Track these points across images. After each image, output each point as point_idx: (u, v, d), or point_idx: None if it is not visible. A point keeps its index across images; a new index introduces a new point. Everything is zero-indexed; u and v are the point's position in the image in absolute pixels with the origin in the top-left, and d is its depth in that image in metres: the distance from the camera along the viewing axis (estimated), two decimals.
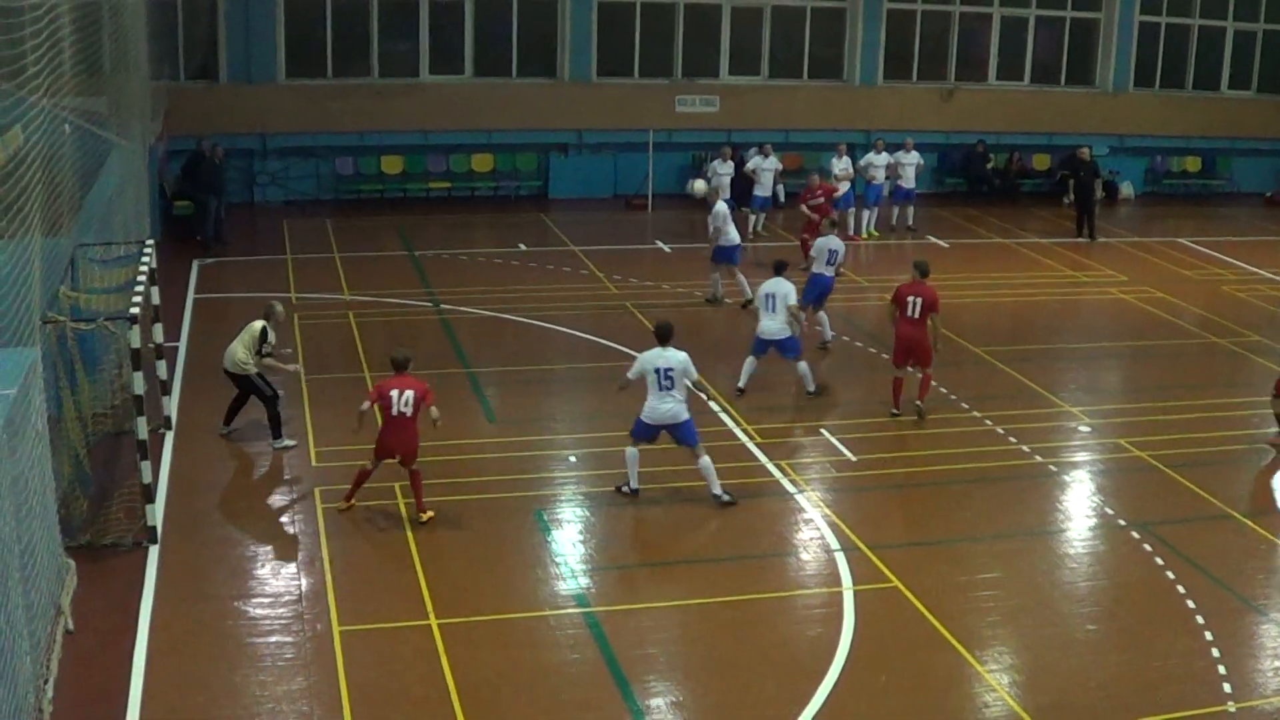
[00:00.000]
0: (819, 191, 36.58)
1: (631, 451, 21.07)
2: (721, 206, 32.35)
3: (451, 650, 16.52)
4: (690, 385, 20.99)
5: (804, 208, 36.36)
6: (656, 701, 15.71)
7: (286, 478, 21.52)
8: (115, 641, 16.52)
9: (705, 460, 20.84)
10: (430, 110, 43.20)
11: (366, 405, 20.21)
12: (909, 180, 41.42)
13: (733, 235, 31.97)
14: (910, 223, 41.72)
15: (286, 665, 16.19)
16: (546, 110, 44.33)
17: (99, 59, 25.94)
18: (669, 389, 20.70)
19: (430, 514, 20.04)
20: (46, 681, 15.15)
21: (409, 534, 19.61)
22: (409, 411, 19.87)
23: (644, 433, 21.08)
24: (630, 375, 21.29)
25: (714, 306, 32.12)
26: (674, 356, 20.80)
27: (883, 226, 41.34)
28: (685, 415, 20.89)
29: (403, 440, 20.05)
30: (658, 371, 20.71)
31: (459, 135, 44.11)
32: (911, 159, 41.29)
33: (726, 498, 20.81)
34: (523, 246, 37.53)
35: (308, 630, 16.96)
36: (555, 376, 27.37)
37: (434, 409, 20.00)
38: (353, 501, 20.38)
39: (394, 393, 19.90)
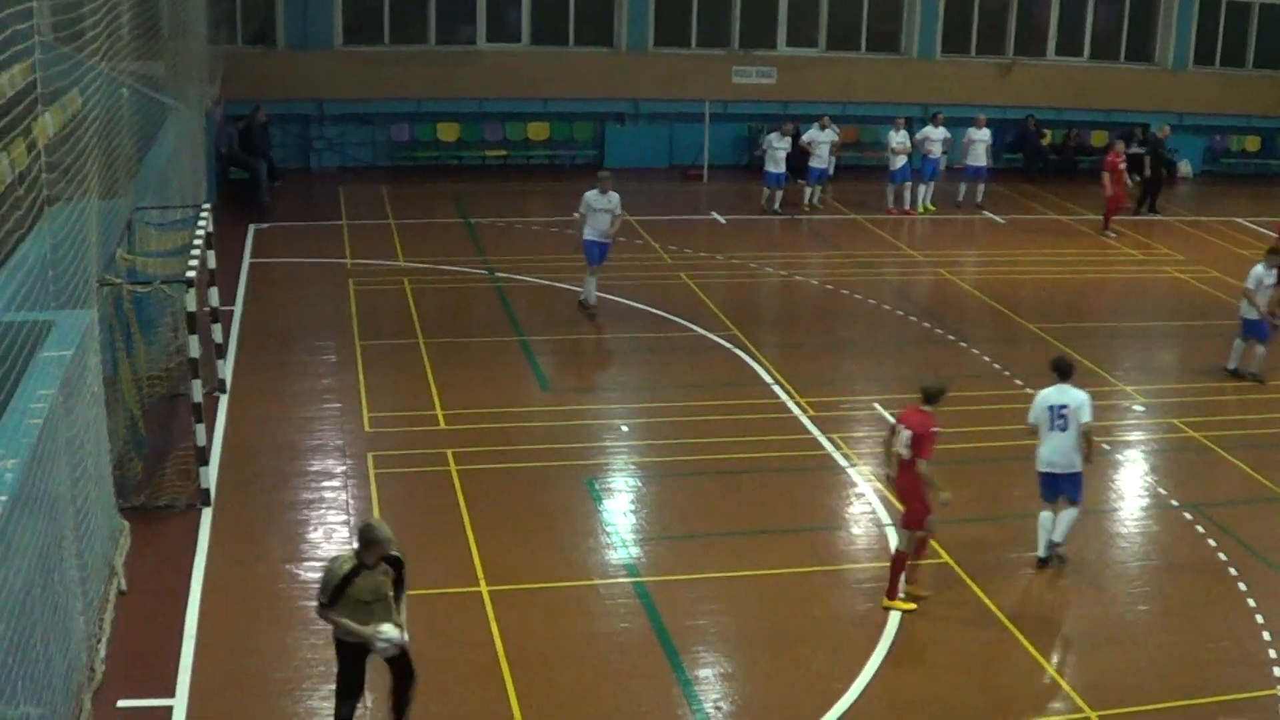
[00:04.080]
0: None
1: (1045, 516, 18.70)
2: None
3: (502, 617, 16.57)
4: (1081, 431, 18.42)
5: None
6: (705, 672, 15.73)
7: (339, 443, 21.57)
8: (168, 602, 16.63)
9: (1073, 513, 18.76)
10: (487, 78, 43.17)
11: (886, 436, 18.01)
12: (979, 158, 41.07)
13: None
14: (979, 200, 41.39)
15: None
16: (603, 79, 44.27)
17: (157, 23, 26.05)
18: (1062, 430, 18.48)
19: (907, 604, 17.30)
20: (99, 640, 15.27)
21: (460, 501, 19.66)
22: (905, 454, 17.26)
23: (1045, 488, 18.83)
24: (1030, 419, 18.89)
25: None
26: (1073, 394, 18.75)
27: (947, 202, 41.05)
28: (1077, 466, 18.59)
29: (901, 487, 17.67)
30: (1051, 410, 18.59)
31: (515, 103, 44.10)
32: (983, 136, 40.91)
33: (1059, 551, 18.76)
34: (577, 215, 37.48)
35: None
36: (608, 346, 27.38)
37: (924, 465, 17.01)
38: (901, 600, 17.41)
39: (900, 427, 17.45)
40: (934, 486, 17.00)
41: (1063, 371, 18.80)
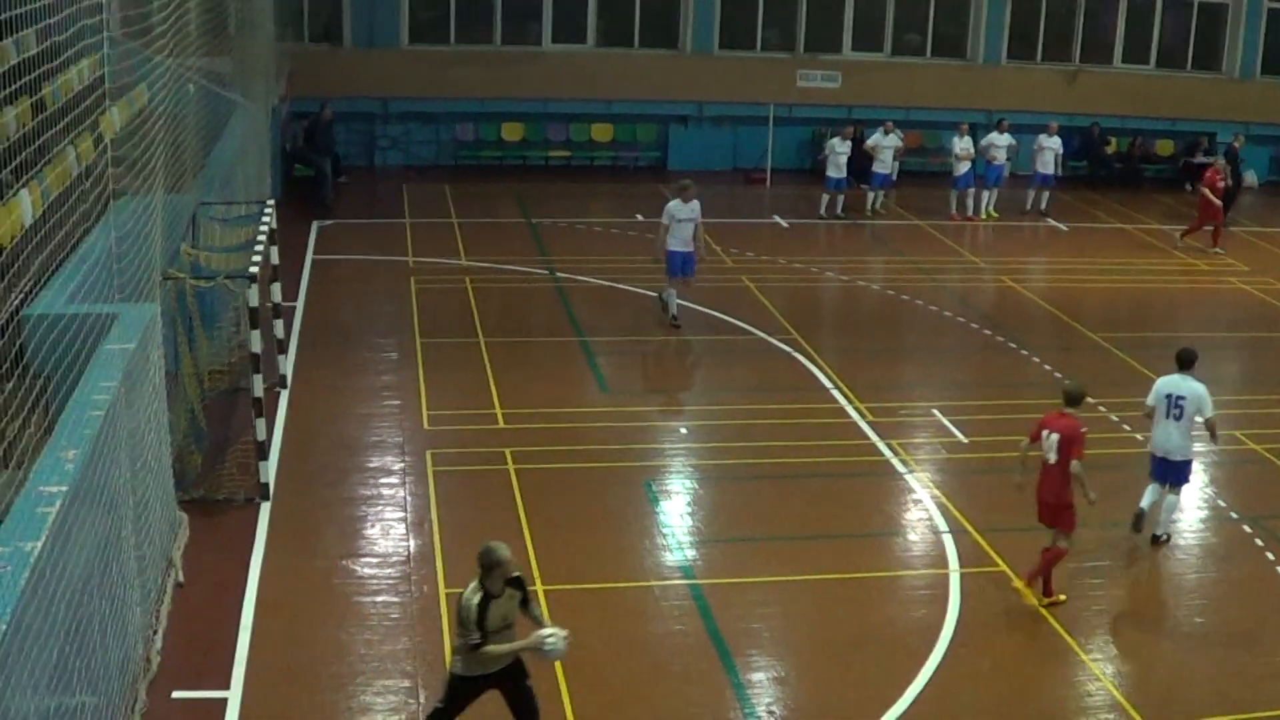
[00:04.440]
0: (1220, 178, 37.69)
1: (1153, 486, 19.55)
2: None
3: (556, 617, 16.40)
4: (1201, 423, 19.11)
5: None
6: (758, 676, 15.74)
7: (398, 440, 21.66)
8: (224, 595, 16.75)
9: (1175, 500, 19.60)
10: (551, 78, 43.28)
11: (1025, 445, 18.11)
12: (1048, 165, 40.81)
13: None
14: (1044, 207, 41.18)
15: (392, 625, 16.35)
16: (667, 81, 44.31)
17: (225, 20, 26.24)
18: (1177, 419, 19.17)
19: (1061, 598, 17.68)
20: (156, 632, 15.38)
21: (518, 500, 19.71)
22: (1052, 458, 17.44)
23: (1155, 469, 19.62)
24: (1148, 402, 19.69)
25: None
26: (1191, 386, 19.32)
27: (1010, 208, 40.86)
28: (1189, 454, 19.47)
29: (1047, 491, 17.73)
30: (1169, 398, 19.28)
31: (579, 104, 44.18)
32: (1053, 144, 40.65)
33: (1163, 537, 19.60)
34: (640, 217, 37.52)
35: (414, 591, 17.12)
36: (669, 348, 27.39)
37: (1077, 466, 17.22)
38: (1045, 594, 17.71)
39: (1045, 431, 17.60)
40: (1084, 486, 17.18)
41: (1185, 362, 19.44)
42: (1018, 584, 17.71)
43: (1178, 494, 19.62)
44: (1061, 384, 18.25)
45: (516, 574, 13.16)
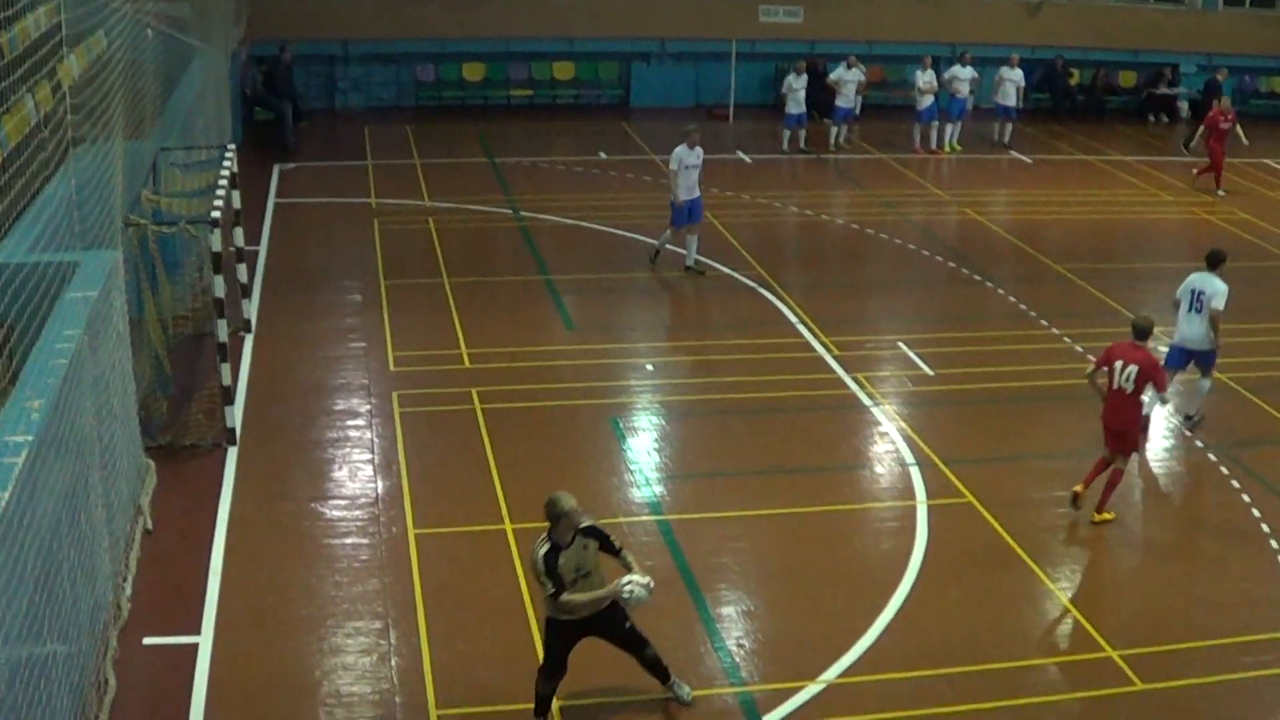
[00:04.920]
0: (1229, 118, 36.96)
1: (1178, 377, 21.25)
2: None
3: (526, 555, 16.62)
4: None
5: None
6: (727, 610, 15.81)
7: (364, 382, 21.64)
8: (193, 541, 16.75)
9: (1206, 384, 21.38)
10: (512, 17, 43.01)
11: (1090, 370, 18.82)
12: (1009, 97, 40.91)
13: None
14: (1007, 139, 41.24)
15: (362, 567, 16.37)
16: (629, 18, 44.07)
17: None
18: (1198, 311, 20.68)
19: (1109, 515, 18.33)
20: (125, 579, 15.39)
21: (485, 440, 19.72)
22: (1129, 388, 18.08)
23: (1173, 360, 21.08)
24: (1176, 295, 21.22)
25: None
26: (1214, 284, 20.67)
27: (973, 141, 40.87)
28: (1207, 345, 20.90)
29: (1119, 419, 18.34)
30: (1192, 293, 20.79)
31: (541, 43, 43.98)
32: (1015, 75, 40.71)
33: (1196, 418, 21.44)
34: (603, 155, 37.46)
35: (383, 533, 17.13)
36: (634, 285, 27.33)
37: (1156, 396, 18.90)
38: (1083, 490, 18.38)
39: (1119, 363, 18.18)
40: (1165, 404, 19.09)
41: (1212, 261, 21.01)
42: (1098, 516, 18.30)
43: (1208, 378, 21.41)
44: (1133, 318, 18.67)
45: (588, 523, 13.27)
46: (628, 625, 13.59)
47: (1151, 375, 17.93)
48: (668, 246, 27.80)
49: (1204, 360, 21.13)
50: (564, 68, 44.71)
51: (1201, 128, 38.17)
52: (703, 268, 27.53)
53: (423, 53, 43.40)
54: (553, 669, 13.50)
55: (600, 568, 13.37)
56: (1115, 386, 18.11)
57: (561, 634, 13.37)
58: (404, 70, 43.55)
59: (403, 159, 36.53)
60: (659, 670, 13.89)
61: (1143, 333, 18.18)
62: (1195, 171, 37.46)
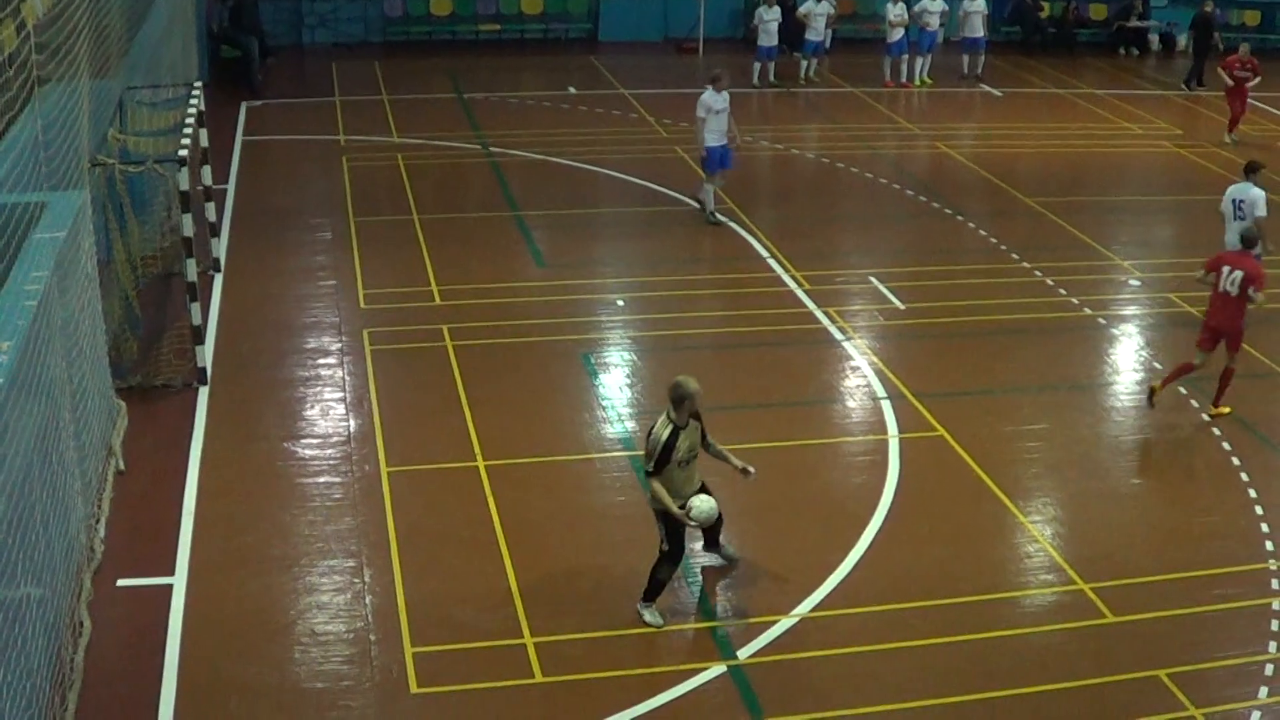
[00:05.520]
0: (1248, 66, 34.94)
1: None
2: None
3: (498, 491, 16.68)
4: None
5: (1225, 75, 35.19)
6: (700, 544, 15.82)
7: (335, 320, 21.59)
8: (166, 481, 16.75)
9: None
10: None
11: (1200, 274, 19.84)
12: (976, 29, 40.84)
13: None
14: (978, 72, 41.17)
15: (335, 505, 16.38)
16: None
17: None
18: (1241, 219, 21.98)
19: (1226, 409, 19.65)
20: (98, 521, 15.37)
21: (457, 377, 19.71)
22: (1234, 291, 19.12)
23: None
24: (1220, 209, 22.81)
25: None
26: (1251, 192, 22.25)
27: (944, 75, 40.77)
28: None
29: (1222, 319, 19.44)
30: (1233, 203, 22.29)
31: None
32: (978, 6, 40.67)
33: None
34: (572, 90, 37.33)
35: (356, 471, 17.14)
36: (604, 220, 27.30)
37: (1261, 296, 19.27)
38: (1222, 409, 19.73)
39: (1225, 268, 19.26)
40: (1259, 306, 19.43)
41: (1249, 169, 22.53)
42: (1216, 410, 19.75)
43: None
44: (1240, 228, 20.79)
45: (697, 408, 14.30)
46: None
47: (1254, 280, 19.01)
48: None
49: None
50: (532, 2, 44.49)
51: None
52: (718, 219, 26.82)
53: None
54: (676, 555, 14.46)
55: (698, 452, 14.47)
56: (1220, 289, 19.27)
57: (671, 520, 14.25)
58: (371, 6, 43.29)
59: (371, 95, 36.36)
60: (712, 539, 15.27)
61: (1250, 242, 19.74)
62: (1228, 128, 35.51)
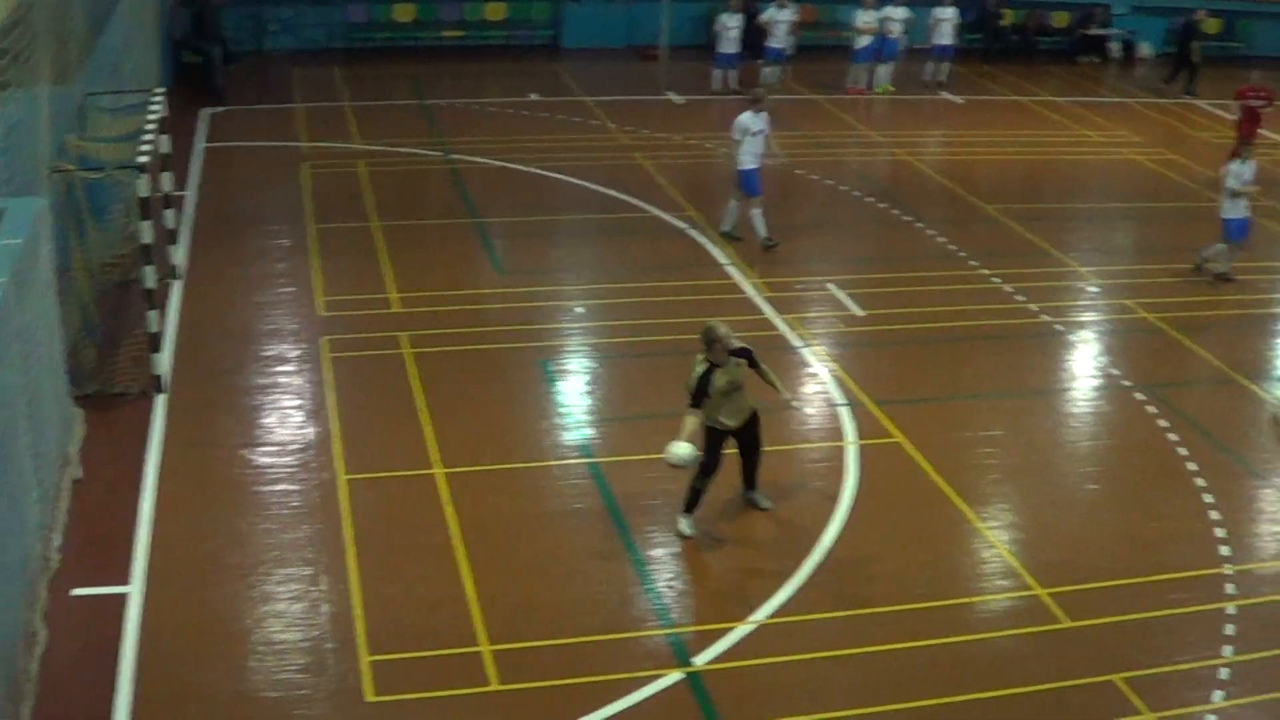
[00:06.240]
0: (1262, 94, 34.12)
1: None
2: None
3: (456, 499, 16.68)
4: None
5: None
6: (658, 552, 15.88)
7: (293, 327, 21.55)
8: (123, 489, 16.69)
9: (1221, 247, 24.65)
10: None
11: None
12: (945, 36, 40.98)
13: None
14: (943, 79, 41.29)
15: (292, 513, 16.36)
16: None
17: None
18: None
19: None
20: (54, 529, 15.32)
21: (415, 384, 19.69)
22: None
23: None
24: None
25: None
26: (1234, 167, 25.05)
27: (905, 82, 40.88)
28: (1227, 214, 25.23)
29: None
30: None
31: None
32: (949, 14, 40.81)
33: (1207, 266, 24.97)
34: (534, 96, 37.30)
35: (314, 479, 17.12)
36: (564, 227, 27.30)
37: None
38: None
39: None
40: None
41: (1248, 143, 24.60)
42: None
43: (1222, 244, 25.29)
44: None
45: (738, 345, 16.01)
46: (757, 430, 16.51)
47: None
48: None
49: (1224, 227, 25.30)
50: (495, 8, 44.42)
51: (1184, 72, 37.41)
52: (773, 240, 25.98)
53: None
54: (712, 468, 16.16)
55: (745, 383, 16.18)
56: None
57: (715, 438, 16.10)
58: (334, 12, 43.15)
59: (333, 101, 36.29)
60: (750, 478, 16.87)
61: None
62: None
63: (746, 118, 25.62)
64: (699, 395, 15.76)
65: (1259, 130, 33.08)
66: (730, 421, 16.14)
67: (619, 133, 33.72)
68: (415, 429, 18.42)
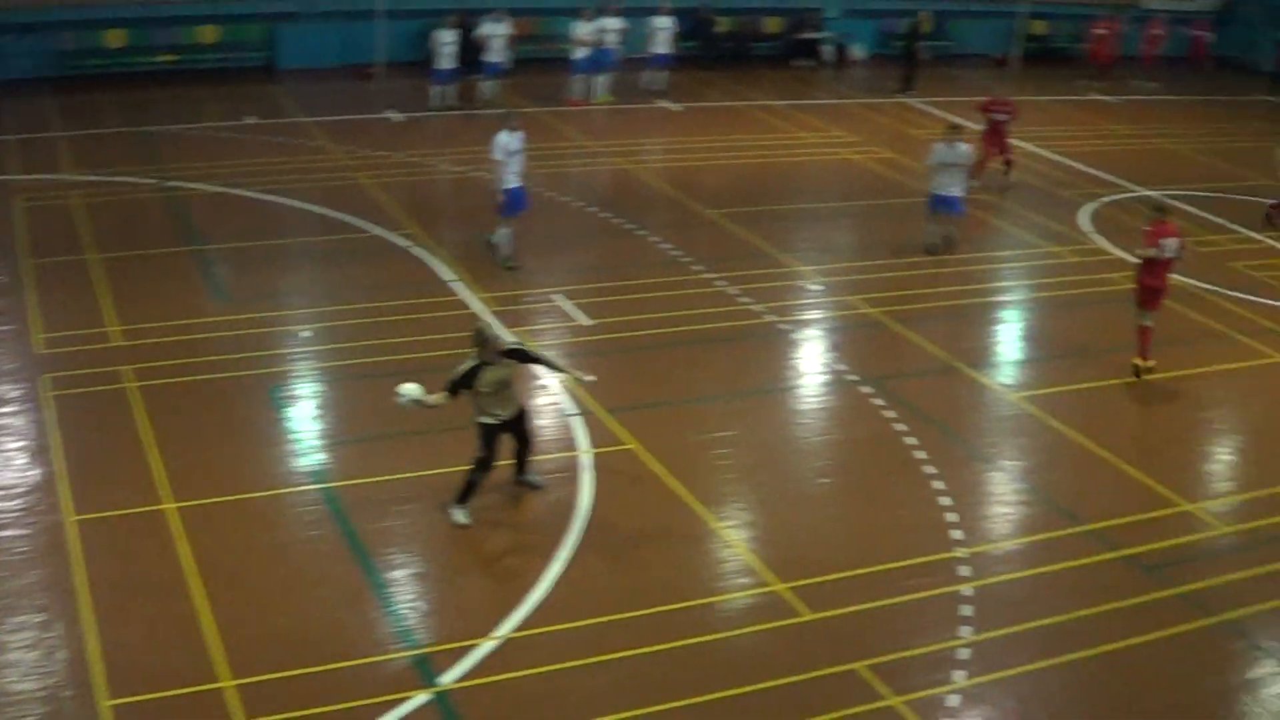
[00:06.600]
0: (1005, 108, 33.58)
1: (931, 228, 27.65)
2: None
3: (190, 533, 16.37)
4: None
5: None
6: (397, 574, 15.78)
7: (11, 367, 20.95)
8: None
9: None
10: None
11: (1152, 251, 21.99)
12: (662, 45, 41.46)
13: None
14: (661, 87, 41.72)
15: (21, 558, 15.88)
16: None
17: None
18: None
19: (1151, 362, 22.36)
20: None
21: (142, 417, 19.28)
22: (1173, 255, 22.16)
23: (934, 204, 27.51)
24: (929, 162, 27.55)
25: None
26: (960, 149, 27.28)
27: (624, 91, 41.17)
28: (956, 193, 27.44)
29: (1162, 280, 22.20)
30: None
31: (183, 6, 42.86)
32: (666, 24, 41.28)
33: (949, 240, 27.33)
34: (252, 119, 36.76)
35: (41, 522, 16.64)
36: (287, 251, 26.94)
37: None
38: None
39: (1164, 239, 21.94)
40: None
41: (953, 127, 25.91)
42: (1140, 363, 22.28)
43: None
44: (1153, 198, 24.50)
45: (512, 347, 17.33)
46: (527, 425, 17.45)
47: (1183, 242, 22.38)
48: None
49: (954, 205, 27.45)
50: (208, 31, 43.65)
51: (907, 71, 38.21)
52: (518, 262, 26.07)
53: (60, 20, 41.93)
54: (488, 462, 16.95)
55: (515, 381, 17.20)
56: (1166, 258, 22.00)
57: (488, 432, 16.90)
58: (43, 40, 42.07)
59: (44, 132, 35.32)
60: (521, 466, 17.69)
61: (1164, 210, 22.57)
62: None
63: (505, 137, 25.40)
64: (455, 385, 16.58)
65: (1008, 142, 33.50)
66: (502, 412, 16.88)
67: (339, 153, 33.43)
68: (144, 464, 18.04)
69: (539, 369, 19.26)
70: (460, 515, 16.94)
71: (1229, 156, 38.48)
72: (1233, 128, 43.29)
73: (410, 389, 16.69)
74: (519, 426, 17.30)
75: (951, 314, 24.58)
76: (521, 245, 25.95)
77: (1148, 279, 22.08)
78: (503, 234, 25.92)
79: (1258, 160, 36.21)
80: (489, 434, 16.94)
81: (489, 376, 16.60)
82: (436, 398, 16.71)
